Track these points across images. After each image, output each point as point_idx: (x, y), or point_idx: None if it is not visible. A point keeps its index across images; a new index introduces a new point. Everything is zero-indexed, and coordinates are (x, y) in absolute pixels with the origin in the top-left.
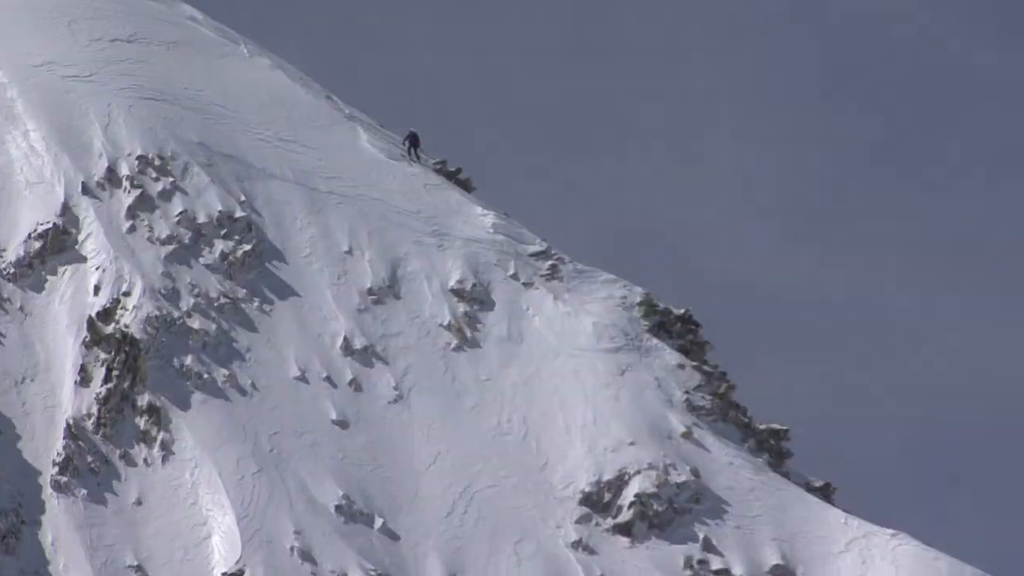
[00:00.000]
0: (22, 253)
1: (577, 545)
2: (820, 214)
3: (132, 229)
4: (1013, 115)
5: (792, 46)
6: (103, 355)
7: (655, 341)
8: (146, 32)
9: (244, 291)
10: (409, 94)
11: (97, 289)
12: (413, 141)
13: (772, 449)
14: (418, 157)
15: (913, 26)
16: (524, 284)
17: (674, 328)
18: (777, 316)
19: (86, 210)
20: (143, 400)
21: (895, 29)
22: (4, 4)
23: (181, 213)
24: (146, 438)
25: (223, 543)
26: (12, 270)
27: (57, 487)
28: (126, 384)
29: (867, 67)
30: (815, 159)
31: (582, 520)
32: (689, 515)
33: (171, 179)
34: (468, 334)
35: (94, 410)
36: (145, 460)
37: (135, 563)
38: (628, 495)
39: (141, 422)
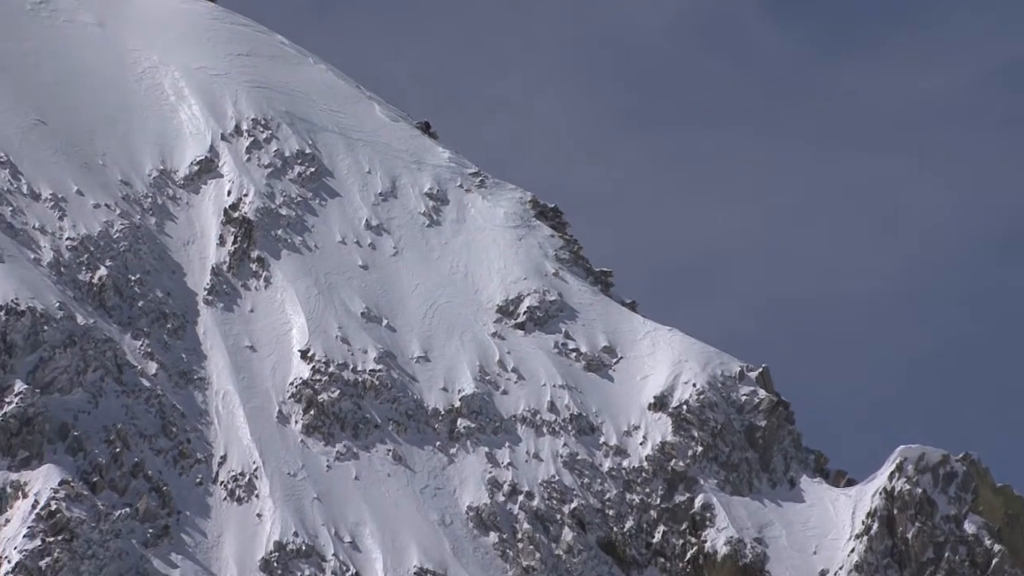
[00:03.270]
0: (187, 172)
1: (494, 335)
2: (611, 140)
3: (249, 159)
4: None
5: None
6: (232, 229)
7: (538, 222)
8: (256, 50)
9: (310, 194)
10: (406, 85)
11: (229, 192)
12: (426, 127)
13: (603, 282)
14: (430, 135)
15: (648, 42)
16: (466, 191)
17: (548, 214)
18: (598, 207)
19: (223, 149)
20: (255, 254)
21: (637, 49)
22: (178, 34)
23: (276, 151)
24: (256, 275)
25: (298, 333)
26: (182, 181)
27: (206, 302)
28: (245, 245)
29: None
30: (598, 110)
31: (497, 321)
32: (557, 318)
33: (270, 131)
34: (435, 218)
35: (227, 259)
36: (255, 288)
37: (250, 344)
38: (523, 307)
39: (253, 266)
